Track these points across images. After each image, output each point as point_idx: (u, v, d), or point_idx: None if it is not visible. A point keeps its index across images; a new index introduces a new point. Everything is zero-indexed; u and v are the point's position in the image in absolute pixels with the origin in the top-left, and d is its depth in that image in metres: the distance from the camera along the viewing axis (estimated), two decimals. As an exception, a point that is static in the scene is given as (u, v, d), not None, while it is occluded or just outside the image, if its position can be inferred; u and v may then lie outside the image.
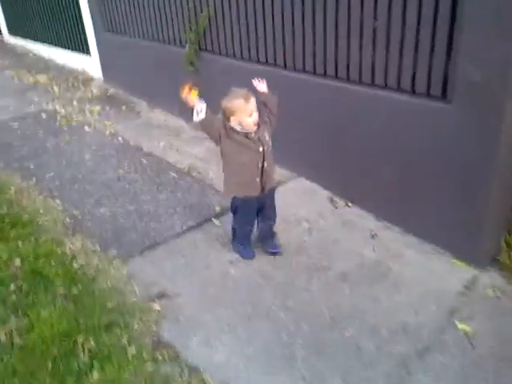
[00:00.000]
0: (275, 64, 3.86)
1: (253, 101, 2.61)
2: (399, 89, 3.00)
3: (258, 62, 4.01)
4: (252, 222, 3.02)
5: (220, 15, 4.24)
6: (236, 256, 3.12)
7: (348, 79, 3.31)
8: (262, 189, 2.83)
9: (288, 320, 2.62)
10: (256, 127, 2.69)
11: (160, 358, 2.39)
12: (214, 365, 2.36)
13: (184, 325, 2.60)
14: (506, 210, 3.01)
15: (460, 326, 2.53)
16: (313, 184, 3.87)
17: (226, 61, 4.37)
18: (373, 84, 3.15)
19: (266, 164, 2.75)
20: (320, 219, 3.46)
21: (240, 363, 2.37)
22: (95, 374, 2.29)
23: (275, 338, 2.51)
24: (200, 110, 2.60)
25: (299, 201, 3.68)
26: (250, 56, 4.09)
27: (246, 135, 2.68)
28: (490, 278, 2.85)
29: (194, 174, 4.14)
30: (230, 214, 3.47)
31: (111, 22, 6.07)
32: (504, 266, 2.90)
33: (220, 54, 4.44)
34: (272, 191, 2.97)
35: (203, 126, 2.69)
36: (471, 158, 2.71)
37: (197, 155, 4.45)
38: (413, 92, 2.94)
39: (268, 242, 3.12)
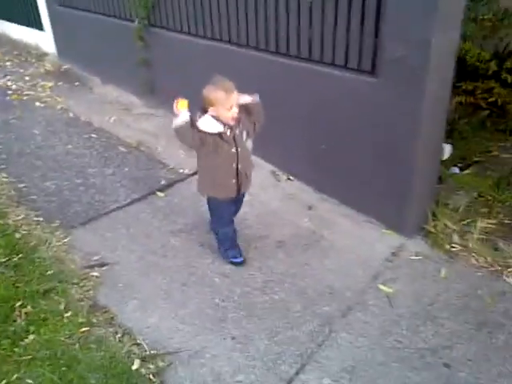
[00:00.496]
0: (221, 39, 3.91)
1: (234, 94, 2.52)
2: (333, 64, 3.12)
3: (207, 37, 4.05)
4: (231, 222, 2.88)
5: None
6: (178, 227, 3.22)
7: (288, 54, 3.40)
8: (238, 190, 2.74)
9: (222, 285, 2.74)
10: (234, 122, 2.57)
11: (95, 321, 2.49)
12: (147, 327, 2.47)
13: (121, 291, 2.70)
14: (432, 182, 3.19)
15: (382, 288, 2.71)
16: (257, 158, 3.95)
17: (176, 36, 4.39)
18: (310, 59, 3.26)
19: (240, 166, 2.65)
20: (262, 192, 3.58)
21: (173, 325, 2.49)
22: (30, 337, 2.37)
23: (209, 301, 2.63)
24: (181, 117, 2.51)
25: (243, 174, 3.79)
26: (198, 31, 4.12)
27: (221, 135, 2.55)
28: (415, 245, 3.03)
29: (142, 149, 4.19)
30: (176, 186, 3.58)
31: (64, -4, 5.97)
32: (430, 234, 3.09)
33: (169, 29, 4.46)
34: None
35: (180, 134, 2.55)
36: (396, 129, 2.86)
37: (146, 130, 4.50)
38: (346, 67, 3.06)
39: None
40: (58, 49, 6.60)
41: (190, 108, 2.54)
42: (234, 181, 2.68)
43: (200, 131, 2.53)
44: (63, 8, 6.08)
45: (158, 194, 3.55)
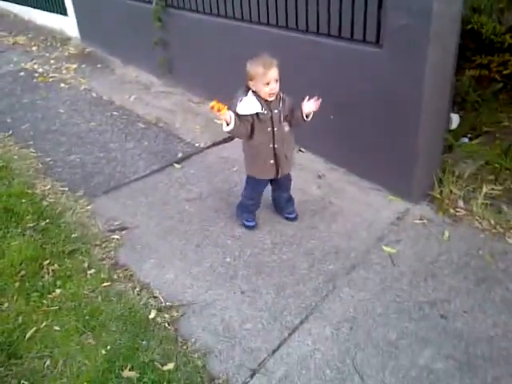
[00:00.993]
0: (234, 17, 4.04)
1: (273, 70, 2.56)
2: (340, 36, 3.22)
3: (221, 15, 4.18)
4: (257, 200, 3.01)
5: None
6: (193, 195, 3.40)
7: (298, 29, 3.51)
8: (277, 171, 2.80)
9: (234, 246, 2.91)
10: (273, 98, 2.63)
11: (116, 277, 2.70)
12: (164, 282, 2.67)
13: (140, 251, 2.90)
14: (438, 150, 3.28)
15: (386, 248, 2.83)
16: (271, 132, 4.11)
17: (191, 16, 4.54)
18: (318, 32, 3.36)
19: (276, 146, 2.70)
20: (274, 163, 3.72)
21: (187, 281, 2.67)
22: (57, 291, 2.59)
23: (221, 260, 2.81)
24: (229, 120, 2.57)
25: (257, 147, 3.94)
26: (212, 10, 4.25)
27: (257, 115, 2.61)
28: (420, 210, 3.14)
29: (160, 125, 4.38)
30: (192, 159, 3.78)
31: (85, -19, 6.17)
32: (435, 199, 3.19)
33: (185, 9, 4.59)
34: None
35: (233, 134, 2.71)
36: (401, 98, 2.96)
37: (164, 107, 4.68)
38: (352, 39, 3.16)
39: (283, 210, 3.12)
40: (81, 33, 6.82)
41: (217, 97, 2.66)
42: (271, 161, 2.74)
43: (242, 116, 2.61)
44: (85, -7, 6.28)
45: (175, 165, 3.73)
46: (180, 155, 3.85)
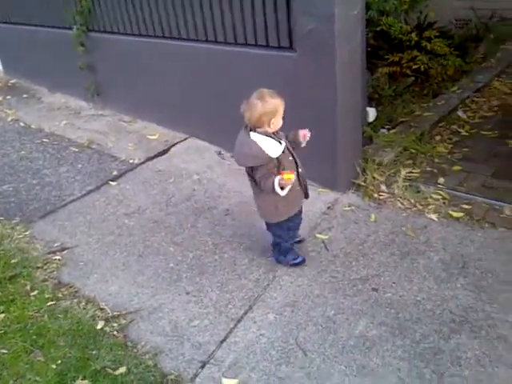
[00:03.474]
0: (155, 35, 4.17)
1: None
2: (256, 44, 3.42)
3: (143, 34, 4.29)
4: (295, 235, 2.81)
5: (101, -5, 4.49)
6: (132, 209, 3.46)
7: (217, 41, 3.69)
8: (306, 194, 2.64)
9: (176, 252, 3.01)
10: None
11: (60, 295, 2.72)
12: (109, 294, 2.72)
13: (82, 268, 2.93)
14: (357, 141, 3.52)
15: (319, 236, 3.02)
16: (203, 142, 4.25)
17: (114, 38, 4.62)
18: (236, 43, 3.55)
19: (300, 170, 2.53)
20: (209, 170, 3.86)
21: (132, 290, 2.74)
22: (1, 316, 2.58)
23: (164, 267, 2.89)
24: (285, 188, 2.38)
25: (191, 158, 4.06)
26: (133, 30, 4.36)
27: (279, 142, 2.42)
28: (348, 199, 3.36)
29: (93, 146, 4.41)
30: (128, 175, 3.84)
31: (3, 11, 6.11)
32: (360, 187, 3.42)
33: (107, 32, 4.68)
34: None
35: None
36: (317, 96, 3.18)
37: (96, 130, 4.71)
38: (268, 46, 3.36)
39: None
40: (3, 66, 6.72)
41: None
42: (298, 188, 2.54)
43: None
44: (3, 25, 6.21)
45: (111, 183, 3.78)
46: (115, 173, 3.91)
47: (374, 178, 3.44)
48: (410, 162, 3.68)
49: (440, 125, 4.19)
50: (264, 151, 2.32)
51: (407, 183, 3.37)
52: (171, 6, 3.87)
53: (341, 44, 2.99)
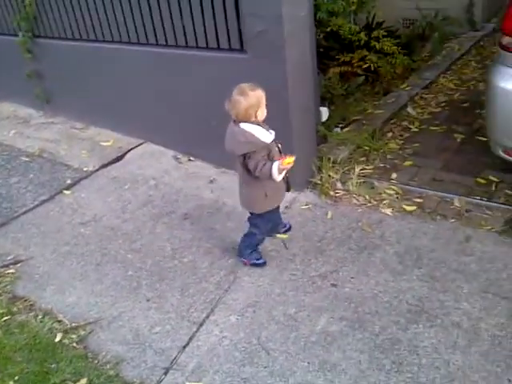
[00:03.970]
0: (104, 40, 4.10)
1: None
2: (208, 47, 3.42)
3: (91, 39, 4.21)
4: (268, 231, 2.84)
5: (46, 0, 4.37)
6: (87, 218, 3.39)
7: (168, 45, 3.66)
8: (288, 186, 2.69)
9: (135, 259, 2.97)
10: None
11: (16, 309, 2.64)
12: (66, 305, 2.66)
13: (38, 280, 2.85)
14: (311, 141, 3.57)
15: (279, 235, 3.04)
16: (159, 147, 4.21)
17: (62, 43, 4.51)
18: (187, 46, 3.54)
19: None
20: (166, 175, 3.83)
21: (91, 300, 2.69)
22: (-48, 335, 2.48)
23: (123, 274, 2.85)
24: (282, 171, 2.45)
25: (147, 163, 4.02)
26: (82, 35, 4.28)
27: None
28: (305, 197, 3.40)
29: (45, 155, 4.29)
30: (82, 183, 3.75)
31: None
32: (316, 185, 3.47)
33: (55, 37, 4.56)
34: None
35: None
36: (270, 97, 3.18)
37: (47, 138, 4.59)
38: (219, 48, 3.37)
39: (278, 225, 2.99)
40: None
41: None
42: (282, 180, 2.55)
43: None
44: None
45: (65, 192, 3.69)
46: (69, 182, 3.82)
47: (329, 175, 3.49)
48: (364, 158, 3.76)
49: (391, 122, 4.30)
50: (257, 137, 2.41)
51: (361, 180, 3.45)
52: (120, 11, 3.81)
53: (290, 45, 3.03)
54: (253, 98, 2.38)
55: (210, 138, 3.76)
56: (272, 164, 2.42)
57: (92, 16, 4.06)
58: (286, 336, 2.35)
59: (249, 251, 2.82)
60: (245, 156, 2.47)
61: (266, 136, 2.45)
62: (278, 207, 2.82)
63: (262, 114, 2.45)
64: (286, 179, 2.64)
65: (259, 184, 2.53)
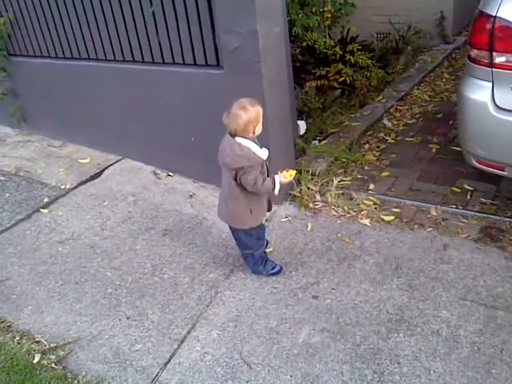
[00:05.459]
0: (80, 57, 4.09)
1: None
2: (184, 63, 3.44)
3: (67, 57, 4.20)
4: (264, 242, 2.82)
5: (21, 19, 4.36)
6: (65, 236, 3.35)
7: (144, 61, 3.68)
8: (269, 204, 2.73)
9: (114, 277, 2.94)
10: None
11: (-8, 332, 2.58)
12: (45, 326, 2.61)
13: (15, 301, 2.80)
14: (290, 154, 3.60)
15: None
16: (137, 163, 4.20)
17: (37, 62, 4.49)
18: (164, 63, 3.56)
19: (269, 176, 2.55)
20: (145, 191, 3.81)
21: (69, 319, 2.65)
22: None
23: (102, 293, 2.82)
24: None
25: (125, 179, 3.99)
26: (57, 53, 4.26)
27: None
28: (285, 210, 3.42)
29: (21, 174, 4.24)
30: (59, 201, 3.71)
31: None
32: (296, 198, 3.49)
33: (30, 56, 4.54)
34: None
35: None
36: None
37: (24, 156, 4.53)
38: (196, 64, 3.39)
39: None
40: None
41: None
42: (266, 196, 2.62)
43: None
44: None
45: (42, 210, 3.64)
46: (46, 200, 3.77)
47: (308, 188, 3.52)
48: (342, 170, 3.81)
49: (368, 134, 4.37)
50: (255, 152, 2.41)
51: (340, 191, 3.49)
52: (95, 28, 3.82)
53: (266, 60, 3.06)
54: (253, 113, 2.37)
55: (188, 153, 3.78)
56: (273, 178, 2.46)
57: (67, 34, 4.06)
58: (268, 349, 2.34)
59: (261, 267, 2.80)
60: (237, 170, 2.45)
61: (262, 152, 2.46)
62: (262, 224, 2.77)
63: (259, 129, 2.45)
64: (267, 198, 2.67)
65: (245, 200, 2.52)
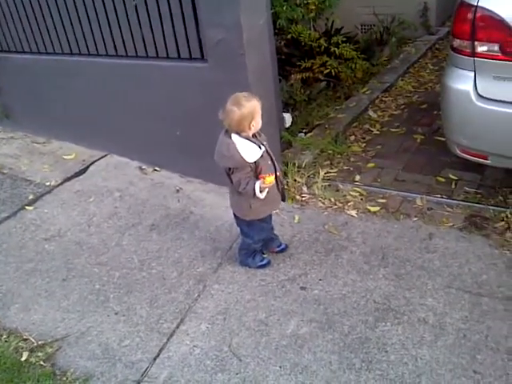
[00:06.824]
0: (63, 52, 4.04)
1: None
2: (168, 57, 3.41)
3: (50, 52, 4.14)
4: (265, 237, 2.81)
5: (1, 14, 4.29)
6: (51, 233, 3.32)
7: (128, 55, 3.64)
8: (283, 197, 2.69)
9: (101, 273, 2.92)
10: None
11: (-22, 331, 2.55)
12: (32, 323, 2.59)
13: (2, 299, 2.78)
14: (276, 146, 3.58)
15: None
16: (123, 158, 4.17)
17: (20, 57, 4.43)
18: (148, 56, 3.53)
19: (278, 173, 2.56)
20: (131, 186, 3.79)
21: (57, 316, 2.63)
22: None
23: (90, 289, 2.80)
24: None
25: (111, 174, 3.96)
26: (40, 49, 4.20)
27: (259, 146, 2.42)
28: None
29: (4, 171, 4.18)
30: (44, 198, 3.67)
31: None
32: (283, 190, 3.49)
33: (12, 51, 4.47)
34: None
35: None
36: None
37: (6, 154, 4.47)
38: (180, 58, 3.37)
39: (273, 242, 2.92)
40: None
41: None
42: (276, 190, 2.58)
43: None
44: None
45: (27, 208, 3.61)
46: (31, 197, 3.73)
47: (295, 180, 3.53)
48: (328, 162, 3.82)
49: (353, 125, 4.39)
50: (240, 154, 2.34)
51: (326, 183, 3.50)
52: (77, 22, 3.77)
53: (250, 53, 3.05)
54: (247, 109, 2.30)
55: (174, 147, 3.76)
56: (254, 183, 2.40)
57: (49, 29, 4.00)
58: (257, 341, 2.36)
59: (250, 259, 2.81)
60: (229, 169, 2.44)
61: (252, 154, 2.37)
62: (270, 218, 2.77)
63: (256, 124, 2.38)
64: (281, 189, 2.64)
65: (244, 195, 2.49)
